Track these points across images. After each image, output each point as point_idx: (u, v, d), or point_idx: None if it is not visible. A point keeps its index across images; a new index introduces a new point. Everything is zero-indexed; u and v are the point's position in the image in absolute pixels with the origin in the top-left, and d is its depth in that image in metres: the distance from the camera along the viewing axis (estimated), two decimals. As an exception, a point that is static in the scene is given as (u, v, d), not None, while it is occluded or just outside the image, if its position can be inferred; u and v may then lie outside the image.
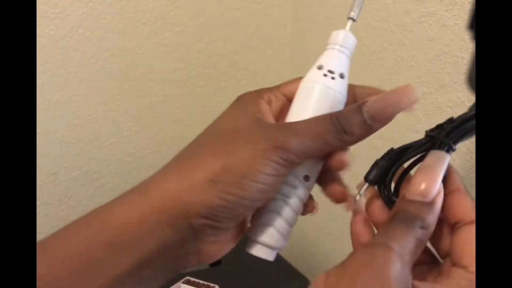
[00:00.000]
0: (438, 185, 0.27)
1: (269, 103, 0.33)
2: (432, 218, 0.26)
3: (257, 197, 0.29)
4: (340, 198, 0.32)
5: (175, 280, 0.66)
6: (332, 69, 0.31)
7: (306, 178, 0.32)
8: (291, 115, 0.32)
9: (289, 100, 0.33)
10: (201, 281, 0.66)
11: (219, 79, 0.88)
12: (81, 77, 0.78)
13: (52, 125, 0.78)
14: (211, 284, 0.65)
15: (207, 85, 0.87)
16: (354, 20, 0.33)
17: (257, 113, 0.31)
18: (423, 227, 0.26)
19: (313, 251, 0.87)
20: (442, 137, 0.29)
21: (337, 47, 0.32)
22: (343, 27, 0.33)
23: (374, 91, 0.32)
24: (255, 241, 0.32)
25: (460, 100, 0.55)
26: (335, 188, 0.33)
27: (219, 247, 0.31)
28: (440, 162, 0.28)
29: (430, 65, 0.59)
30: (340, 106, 0.31)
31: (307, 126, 0.29)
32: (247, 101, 0.32)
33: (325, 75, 0.31)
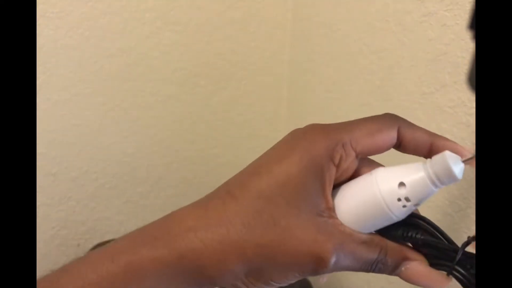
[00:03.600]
0: None
1: (339, 164, 0.29)
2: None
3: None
4: None
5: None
6: (410, 198, 0.28)
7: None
8: (341, 205, 0.30)
9: (357, 154, 0.30)
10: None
11: (219, 79, 0.88)
12: (81, 77, 0.78)
13: (52, 125, 0.78)
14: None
15: (207, 85, 0.87)
16: (472, 159, 0.28)
17: (321, 192, 0.29)
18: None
19: (313, 251, 0.87)
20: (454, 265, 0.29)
21: (431, 172, 0.28)
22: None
23: (453, 147, 0.30)
24: None
25: (461, 100, 0.55)
26: None
27: None
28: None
29: (430, 65, 0.59)
30: (388, 223, 0.30)
31: (355, 254, 0.29)
32: (316, 163, 0.29)
33: (399, 199, 0.28)
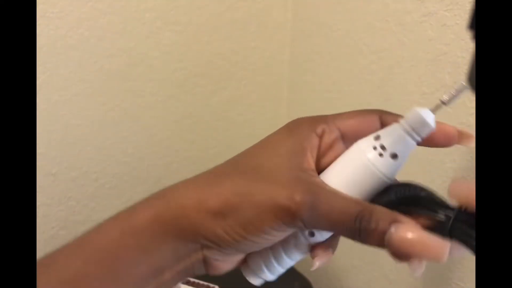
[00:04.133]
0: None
1: (321, 136, 0.32)
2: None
3: (261, 242, 0.30)
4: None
5: (175, 280, 0.66)
6: (385, 145, 0.29)
7: (311, 234, 0.32)
8: (326, 174, 0.31)
9: (342, 135, 0.32)
10: (201, 282, 0.66)
11: (219, 79, 0.88)
12: (81, 77, 0.78)
13: (52, 125, 0.78)
14: (211, 285, 0.65)
15: (207, 85, 0.87)
16: (444, 104, 0.30)
17: (300, 152, 0.30)
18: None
19: (313, 251, 0.87)
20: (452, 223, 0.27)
21: (404, 123, 0.29)
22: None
23: (437, 127, 0.30)
24: (247, 262, 0.34)
25: (461, 100, 0.55)
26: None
27: (227, 264, 0.33)
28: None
29: (430, 65, 0.59)
30: (377, 185, 0.30)
31: (330, 208, 0.28)
32: (297, 132, 0.32)
33: (374, 147, 0.29)
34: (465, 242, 0.26)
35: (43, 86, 0.75)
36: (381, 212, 0.27)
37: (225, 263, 0.33)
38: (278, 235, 0.30)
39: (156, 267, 0.30)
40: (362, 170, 0.29)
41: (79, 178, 0.83)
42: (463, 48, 0.55)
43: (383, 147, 0.29)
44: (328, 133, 0.32)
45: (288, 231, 0.30)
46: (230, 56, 0.87)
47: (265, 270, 0.34)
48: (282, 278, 0.72)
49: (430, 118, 0.30)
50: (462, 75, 0.55)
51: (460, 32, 0.55)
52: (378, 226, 0.27)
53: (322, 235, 0.32)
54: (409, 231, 0.26)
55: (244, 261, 0.34)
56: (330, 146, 0.32)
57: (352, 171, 0.29)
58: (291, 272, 0.75)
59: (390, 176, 0.30)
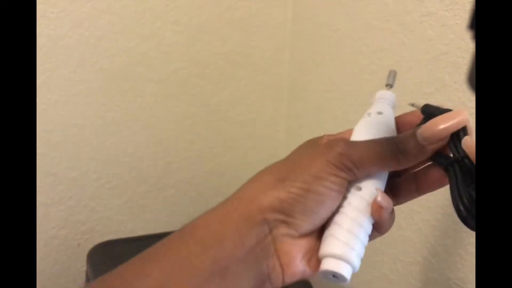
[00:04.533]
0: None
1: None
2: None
3: (323, 193, 0.31)
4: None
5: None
6: (370, 112, 0.37)
7: (358, 188, 0.33)
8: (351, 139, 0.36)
9: None
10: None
11: (219, 79, 0.88)
12: (81, 77, 0.78)
13: (52, 125, 0.78)
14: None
15: (207, 85, 0.87)
16: (391, 87, 0.40)
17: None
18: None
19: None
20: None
21: (375, 99, 0.39)
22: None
23: (414, 117, 0.36)
24: (323, 258, 0.32)
25: (461, 100, 0.55)
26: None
27: (299, 253, 0.32)
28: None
29: (430, 65, 0.59)
30: (385, 125, 0.36)
31: (367, 144, 0.33)
32: (313, 143, 0.35)
33: (363, 117, 0.37)
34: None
35: (43, 86, 0.75)
36: (403, 133, 0.33)
37: (297, 250, 0.31)
38: (335, 182, 0.31)
39: (218, 259, 0.30)
40: (363, 123, 0.36)
41: (79, 178, 0.83)
42: (463, 48, 0.55)
43: (368, 114, 0.37)
44: None
45: (342, 178, 0.32)
46: (230, 56, 0.87)
47: (342, 245, 0.31)
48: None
49: (384, 91, 0.39)
50: (462, 75, 0.55)
51: (460, 32, 0.55)
52: (407, 138, 0.32)
53: (368, 188, 0.33)
54: (430, 122, 0.32)
55: (316, 250, 0.32)
56: None
57: (361, 129, 0.36)
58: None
59: (391, 127, 0.36)
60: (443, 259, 0.60)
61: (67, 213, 0.82)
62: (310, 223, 0.31)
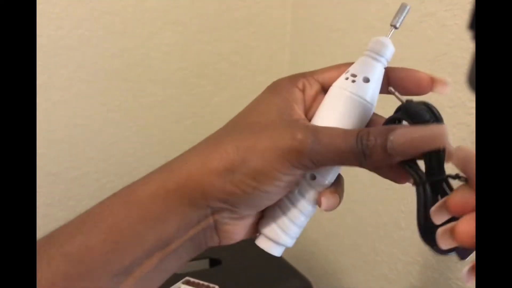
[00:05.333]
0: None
1: (303, 89, 0.33)
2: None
3: (272, 191, 0.30)
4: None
5: (175, 280, 0.66)
6: (355, 72, 0.32)
7: (313, 177, 0.32)
8: (314, 120, 0.32)
9: (323, 88, 0.33)
10: (201, 281, 0.66)
11: (219, 79, 0.88)
12: (81, 77, 0.78)
13: (52, 125, 0.78)
14: (211, 285, 0.65)
15: (207, 85, 0.87)
16: (396, 28, 0.33)
17: (288, 106, 0.32)
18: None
19: (313, 251, 0.87)
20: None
21: (367, 52, 0.33)
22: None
23: (409, 74, 0.33)
24: (260, 233, 0.33)
25: (461, 100, 0.55)
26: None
27: (240, 230, 0.32)
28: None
29: (430, 65, 0.59)
30: (362, 112, 0.31)
31: (331, 137, 0.29)
32: (279, 90, 0.33)
33: (346, 78, 0.32)
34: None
35: (43, 86, 0.75)
36: (376, 129, 0.29)
37: (238, 229, 0.32)
38: (287, 181, 0.30)
39: (162, 238, 0.30)
40: (342, 101, 0.31)
41: (80, 178, 0.83)
42: (463, 48, 0.55)
43: (353, 75, 0.32)
44: (309, 87, 0.33)
45: (295, 175, 0.30)
46: (230, 56, 0.87)
47: (279, 231, 0.32)
48: (281, 277, 0.72)
49: (386, 40, 0.33)
50: (462, 75, 0.55)
51: (460, 32, 0.55)
52: (378, 140, 0.28)
53: (323, 177, 0.32)
54: (405, 132, 0.28)
55: (257, 232, 0.34)
56: (314, 99, 0.33)
57: (335, 106, 0.31)
58: (291, 271, 0.75)
59: (368, 99, 0.31)
60: (443, 259, 0.60)
61: (67, 213, 0.82)
62: (253, 211, 0.32)
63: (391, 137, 0.28)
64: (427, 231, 0.29)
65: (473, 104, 0.53)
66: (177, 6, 0.81)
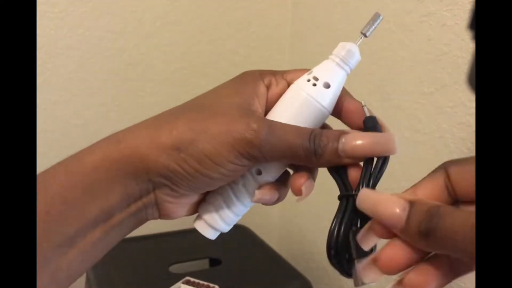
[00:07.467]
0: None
1: (269, 86, 0.33)
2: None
3: (214, 177, 0.30)
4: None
5: (175, 280, 0.66)
6: (317, 76, 0.32)
7: (258, 172, 0.32)
8: (273, 113, 0.32)
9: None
10: (201, 281, 0.66)
11: (219, 79, 0.87)
12: (81, 77, 0.78)
13: (52, 125, 0.78)
14: (211, 284, 0.65)
15: (207, 85, 0.87)
16: (366, 36, 0.34)
17: (249, 97, 0.32)
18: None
19: (313, 251, 0.87)
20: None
21: (333, 57, 0.33)
22: (350, 35, 0.34)
23: (358, 108, 0.33)
24: (199, 215, 0.34)
25: (461, 100, 0.55)
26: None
27: (180, 208, 0.32)
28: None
29: (430, 65, 0.59)
30: (317, 116, 0.32)
31: (285, 133, 0.30)
32: (246, 80, 0.33)
33: (308, 80, 0.32)
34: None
35: (43, 86, 0.75)
36: (330, 131, 0.30)
37: (177, 207, 0.32)
38: (231, 170, 0.30)
39: (105, 209, 0.30)
40: (299, 102, 0.31)
41: (79, 178, 0.83)
42: (463, 48, 0.55)
43: (316, 78, 0.32)
44: (275, 84, 0.33)
45: (241, 166, 0.30)
46: (230, 56, 0.87)
47: (217, 218, 0.33)
48: (281, 277, 0.72)
49: (354, 48, 0.33)
50: (462, 75, 0.55)
51: (460, 32, 0.55)
52: (329, 141, 0.29)
53: (268, 174, 0.32)
54: (357, 137, 0.30)
55: (197, 211, 0.34)
56: (277, 97, 0.33)
57: (292, 105, 0.32)
58: (291, 271, 0.75)
59: (326, 105, 0.32)
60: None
61: (67, 213, 0.82)
62: (194, 193, 0.32)
63: (343, 139, 0.29)
64: (338, 254, 0.28)
65: (473, 104, 0.53)
66: (177, 6, 0.81)
